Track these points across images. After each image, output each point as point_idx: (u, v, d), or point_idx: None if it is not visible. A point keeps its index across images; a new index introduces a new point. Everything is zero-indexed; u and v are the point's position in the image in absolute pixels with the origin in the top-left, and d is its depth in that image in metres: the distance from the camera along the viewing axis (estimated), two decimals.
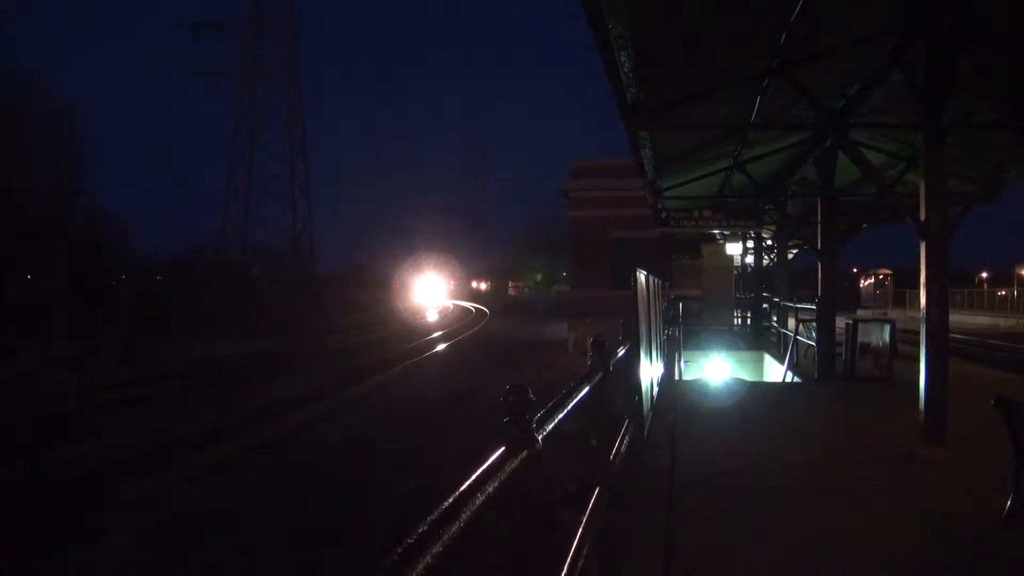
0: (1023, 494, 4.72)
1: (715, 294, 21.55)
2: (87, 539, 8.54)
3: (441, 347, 31.46)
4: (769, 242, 24.80)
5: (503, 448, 1.92)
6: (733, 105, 9.16)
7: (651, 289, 8.34)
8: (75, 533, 8.67)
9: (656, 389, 8.89)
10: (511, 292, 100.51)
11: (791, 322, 15.62)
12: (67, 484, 10.45)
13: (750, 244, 24.81)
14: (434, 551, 1.27)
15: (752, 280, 26.14)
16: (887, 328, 11.86)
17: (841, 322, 12.52)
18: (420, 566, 1.22)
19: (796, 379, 13.61)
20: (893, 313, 43.99)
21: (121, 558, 8.11)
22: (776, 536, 4.84)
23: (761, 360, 17.85)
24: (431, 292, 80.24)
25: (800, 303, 15.93)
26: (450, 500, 1.47)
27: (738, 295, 25.70)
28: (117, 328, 33.48)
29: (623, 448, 5.23)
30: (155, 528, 9.01)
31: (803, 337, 14.05)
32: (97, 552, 8.22)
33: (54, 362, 24.22)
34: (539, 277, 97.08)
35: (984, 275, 68.66)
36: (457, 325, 45.64)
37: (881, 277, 57.63)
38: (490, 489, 1.63)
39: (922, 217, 6.83)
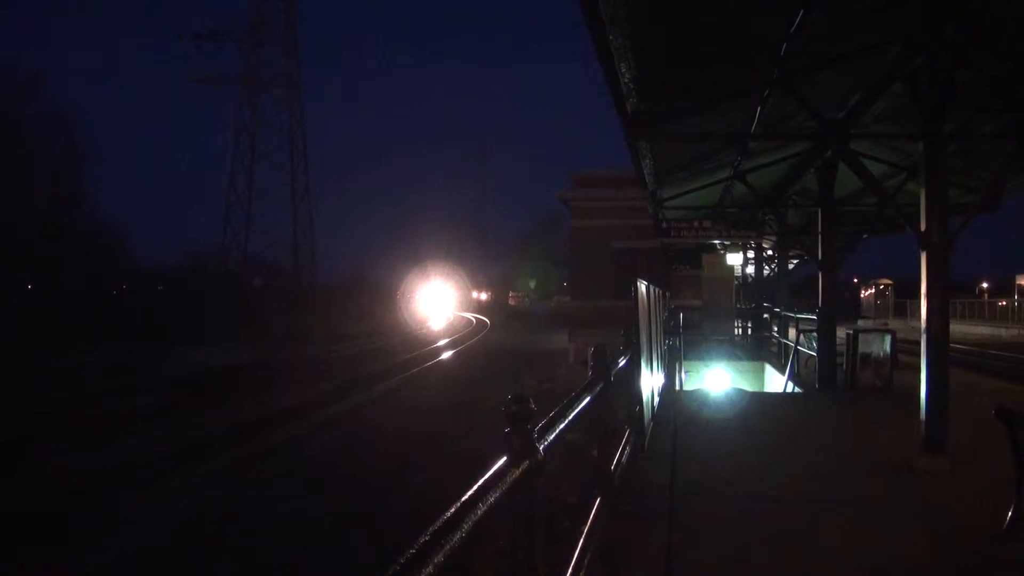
0: None
1: (716, 304, 21.48)
2: None
3: (443, 357, 31.45)
4: (769, 252, 24.77)
5: (505, 458, 1.92)
6: (734, 115, 9.18)
7: (652, 299, 8.34)
8: None
9: (657, 399, 8.87)
10: (511, 302, 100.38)
11: (792, 332, 15.57)
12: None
13: (751, 254, 24.80)
14: (436, 560, 1.27)
15: (753, 290, 26.13)
16: (888, 338, 11.84)
17: (842, 332, 12.50)
18: None
19: (797, 389, 13.58)
20: (894, 323, 43.96)
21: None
22: (776, 547, 4.82)
23: (762, 370, 17.81)
24: (434, 302, 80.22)
25: (800, 313, 15.90)
26: (452, 510, 1.46)
27: (739, 305, 25.67)
28: (119, 338, 33.45)
29: (624, 458, 5.22)
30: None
31: (804, 347, 14.02)
32: None
33: (57, 370, 24.23)
34: (532, 284, 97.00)
35: (985, 285, 68.61)
36: (458, 335, 45.64)
37: (882, 287, 57.55)
38: (492, 499, 1.63)
39: (923, 227, 6.83)
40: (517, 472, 1.89)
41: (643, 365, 6.75)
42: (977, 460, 6.68)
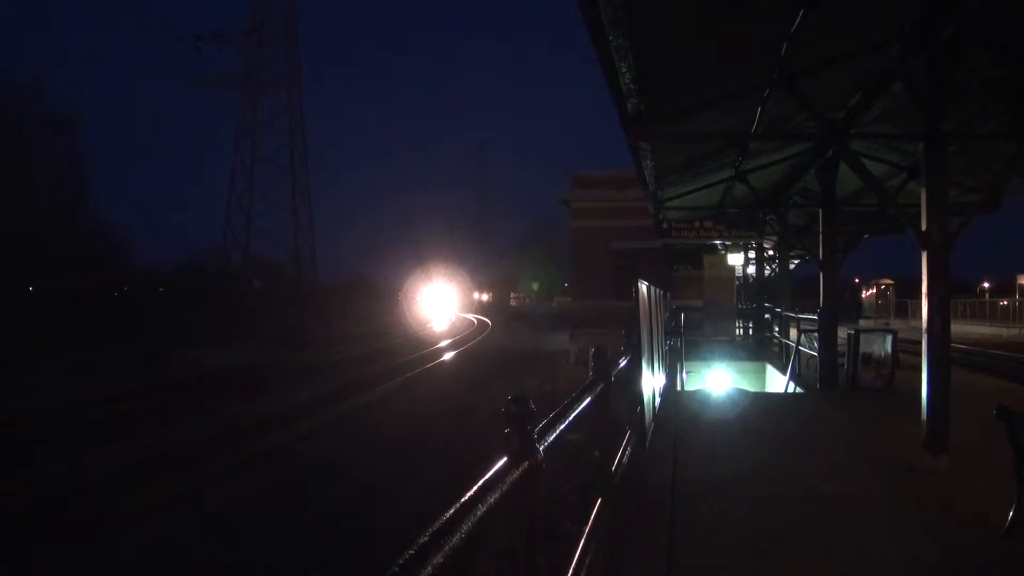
0: None
1: (717, 304, 21.47)
2: None
3: (444, 358, 31.44)
4: (770, 252, 24.78)
5: (505, 458, 1.92)
6: (734, 116, 9.17)
7: (652, 300, 8.34)
8: None
9: (658, 400, 8.87)
10: (513, 303, 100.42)
11: (793, 332, 15.56)
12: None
13: (751, 254, 24.78)
14: (435, 561, 1.27)
15: (754, 290, 26.11)
16: (889, 338, 11.83)
17: (843, 332, 12.50)
18: None
19: (798, 389, 13.57)
20: (895, 323, 43.91)
21: None
22: (777, 548, 4.82)
23: (763, 371, 17.81)
24: (436, 303, 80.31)
25: (802, 313, 15.89)
26: (452, 511, 1.46)
27: (740, 305, 25.67)
28: (120, 339, 33.44)
29: (625, 459, 5.22)
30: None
31: (805, 348, 14.01)
32: None
33: (58, 372, 24.22)
34: (536, 285, 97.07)
35: (986, 285, 68.55)
36: (460, 337, 45.65)
37: (883, 287, 57.52)
38: (492, 500, 1.63)
39: (923, 227, 6.82)
40: (517, 472, 1.89)
41: (644, 366, 6.74)
42: (978, 459, 6.67)
